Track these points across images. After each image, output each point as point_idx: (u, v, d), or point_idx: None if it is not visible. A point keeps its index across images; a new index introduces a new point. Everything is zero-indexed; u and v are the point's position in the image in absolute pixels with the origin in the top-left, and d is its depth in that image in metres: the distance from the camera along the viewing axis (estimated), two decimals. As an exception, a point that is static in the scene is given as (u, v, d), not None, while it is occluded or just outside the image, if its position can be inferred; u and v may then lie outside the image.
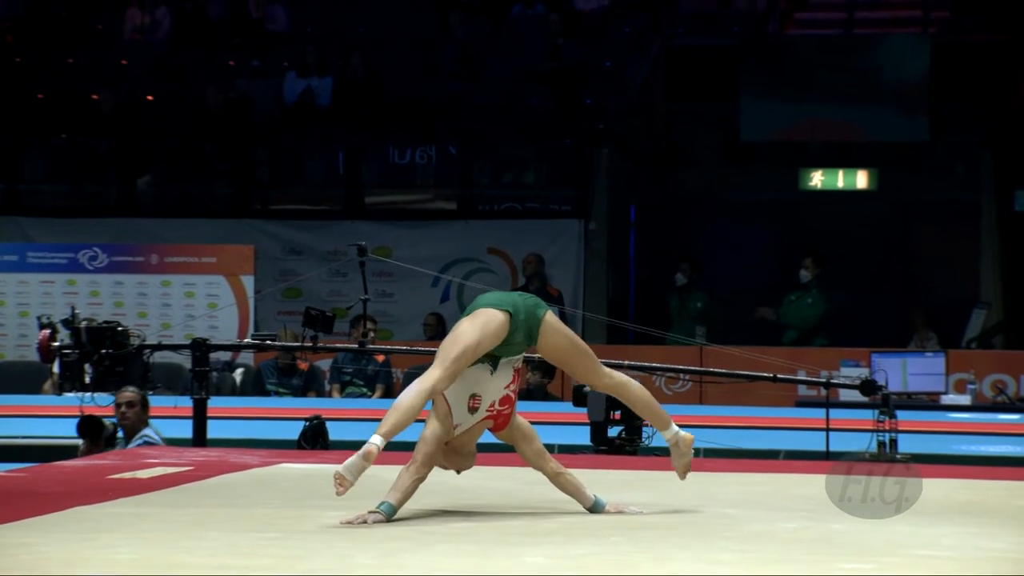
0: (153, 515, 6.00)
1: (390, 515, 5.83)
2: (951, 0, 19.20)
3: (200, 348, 9.75)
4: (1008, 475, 8.14)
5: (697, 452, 9.65)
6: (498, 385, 6.08)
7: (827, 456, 9.27)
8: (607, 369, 6.37)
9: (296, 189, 18.41)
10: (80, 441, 9.56)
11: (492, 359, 6.08)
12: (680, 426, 6.53)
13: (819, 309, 16.03)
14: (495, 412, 6.09)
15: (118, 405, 9.44)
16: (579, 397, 9.22)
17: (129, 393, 9.41)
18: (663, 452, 9.24)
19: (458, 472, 6.25)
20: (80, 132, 18.25)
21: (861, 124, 17.95)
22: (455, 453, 6.13)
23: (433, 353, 6.09)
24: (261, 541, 5.42)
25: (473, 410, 6.05)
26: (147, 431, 9.42)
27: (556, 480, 6.23)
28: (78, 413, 9.44)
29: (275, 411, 12.18)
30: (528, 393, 13.51)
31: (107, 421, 9.55)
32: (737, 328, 16.77)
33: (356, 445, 9.96)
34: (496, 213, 17.69)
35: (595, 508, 6.18)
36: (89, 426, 9.28)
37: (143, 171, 18.08)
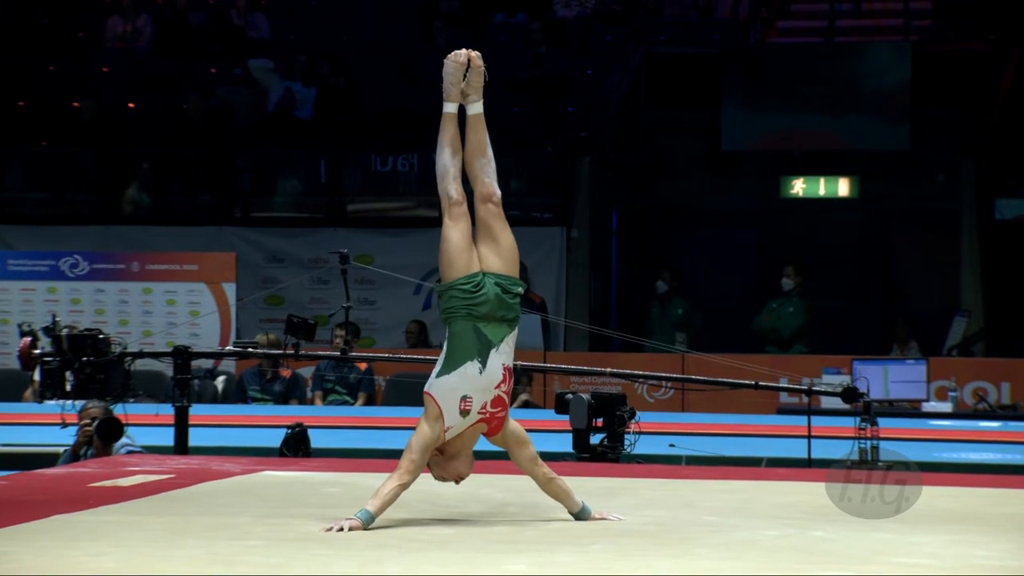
0: (134, 523, 5.99)
1: (367, 522, 5.80)
2: (932, 9, 19.26)
3: (182, 355, 9.73)
4: (989, 482, 8.16)
5: (679, 459, 9.71)
6: (488, 385, 6.04)
7: (809, 463, 9.28)
8: None
9: (278, 197, 18.39)
10: (68, 445, 9.52)
11: (481, 354, 6.06)
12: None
13: (800, 318, 16.05)
14: (488, 415, 6.04)
15: (82, 418, 9.39)
16: (561, 404, 9.22)
17: (95, 409, 9.37)
18: (645, 459, 9.27)
19: (456, 482, 6.15)
20: (61, 140, 18.21)
21: (842, 132, 17.99)
22: (450, 460, 6.07)
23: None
24: (242, 549, 5.41)
25: (465, 413, 6.01)
26: (126, 439, 9.38)
27: (547, 486, 6.21)
28: (59, 421, 9.40)
29: (257, 419, 12.15)
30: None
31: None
32: (719, 335, 16.80)
33: (338, 452, 10.01)
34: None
35: (581, 514, 6.17)
36: (108, 428, 9.22)
37: (125, 179, 18.04)
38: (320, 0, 20.21)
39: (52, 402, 9.61)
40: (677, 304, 16.91)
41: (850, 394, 9.38)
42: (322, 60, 18.64)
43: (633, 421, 9.09)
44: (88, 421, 9.30)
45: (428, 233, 17.41)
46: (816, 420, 9.87)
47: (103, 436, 9.19)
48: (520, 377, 13.31)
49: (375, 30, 19.49)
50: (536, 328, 15.17)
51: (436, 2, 19.71)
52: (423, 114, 18.33)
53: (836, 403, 10.21)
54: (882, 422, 9.30)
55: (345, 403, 14.16)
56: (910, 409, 13.16)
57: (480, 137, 6.40)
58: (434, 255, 17.85)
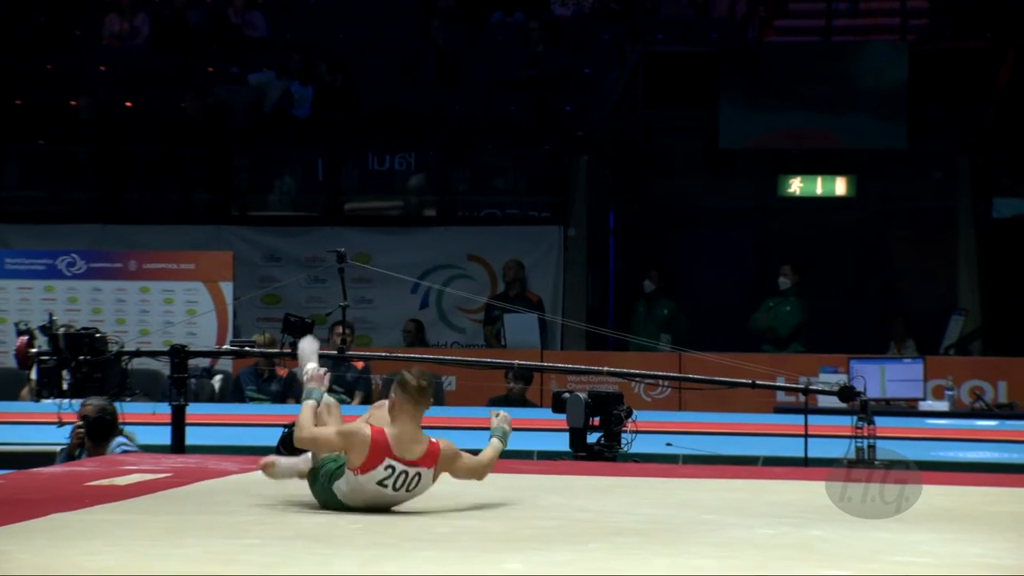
0: (131, 522, 5.99)
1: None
2: (929, 8, 19.26)
3: (179, 354, 9.72)
4: (986, 481, 8.17)
5: (676, 458, 9.72)
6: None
7: (806, 462, 9.28)
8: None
9: (275, 195, 18.38)
10: (65, 444, 9.50)
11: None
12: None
13: (797, 317, 16.05)
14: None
15: (79, 418, 9.37)
16: (558, 403, 9.22)
17: (90, 406, 9.34)
18: (642, 458, 9.27)
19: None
20: (58, 138, 18.20)
21: (839, 131, 17.98)
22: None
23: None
24: (240, 548, 5.41)
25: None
26: (122, 439, 9.35)
27: (485, 469, 6.51)
28: (56, 420, 9.39)
29: (254, 418, 12.15)
30: (506, 399, 13.52)
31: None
32: (715, 334, 16.78)
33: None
34: (476, 219, 17.69)
35: (497, 435, 6.59)
36: (98, 426, 9.21)
37: (122, 177, 18.04)
38: (318, -2, 20.22)
39: (49, 401, 9.60)
40: (663, 304, 16.87)
41: (847, 393, 9.37)
42: (319, 59, 18.63)
43: (630, 420, 9.09)
44: (80, 423, 9.28)
45: (426, 232, 17.43)
46: (813, 419, 9.86)
47: (93, 435, 9.16)
48: (507, 373, 13.31)
49: (372, 28, 19.49)
50: (533, 327, 15.18)
51: (434, 0, 19.71)
52: (421, 113, 18.37)
53: (833, 402, 10.19)
54: (879, 421, 9.30)
55: (342, 402, 14.12)
56: (907, 408, 13.16)
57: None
58: (431, 253, 17.85)
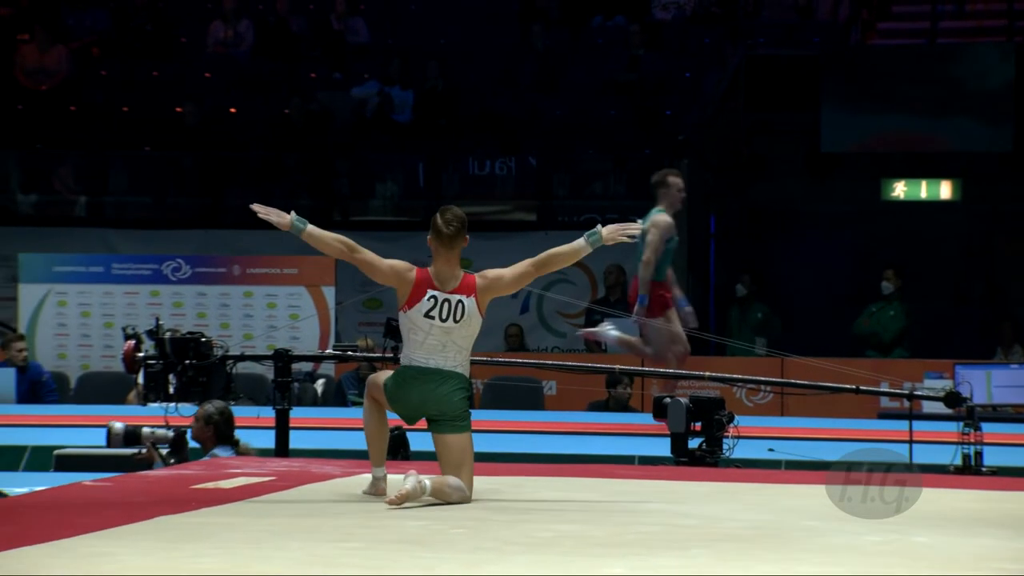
0: (236, 525, 6.04)
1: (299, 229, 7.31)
2: (1037, 9, 19.01)
3: (282, 359, 9.80)
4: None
5: (778, 464, 9.66)
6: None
7: (911, 469, 9.19)
8: None
9: (376, 200, 18.49)
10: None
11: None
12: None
13: (901, 321, 15.90)
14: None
15: (196, 419, 9.48)
16: (659, 409, 9.20)
17: (200, 409, 9.43)
18: (744, 464, 9.22)
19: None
20: (164, 145, 18.43)
21: (944, 134, 17.79)
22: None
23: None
24: (343, 551, 5.44)
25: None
26: (216, 450, 9.39)
27: (549, 263, 7.11)
28: (163, 423, 9.51)
29: (356, 422, 12.17)
30: (606, 404, 13.48)
31: (147, 430, 9.46)
32: (818, 339, 16.65)
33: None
34: (576, 224, 17.66)
35: (594, 238, 7.18)
36: (225, 429, 9.35)
37: (226, 183, 18.24)
38: (418, 4, 20.30)
39: (155, 404, 9.72)
40: (756, 308, 16.80)
41: (953, 399, 9.28)
42: (420, 63, 18.72)
43: (732, 425, 9.05)
44: (195, 419, 9.38)
45: (525, 237, 17.42)
46: (918, 425, 9.77)
47: (218, 436, 9.28)
48: (619, 378, 13.26)
49: (473, 33, 19.55)
50: (634, 332, 15.11)
51: (534, 5, 19.74)
52: (521, 117, 18.40)
53: (939, 408, 10.10)
54: (985, 427, 9.20)
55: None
56: (1014, 414, 12.98)
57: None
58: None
